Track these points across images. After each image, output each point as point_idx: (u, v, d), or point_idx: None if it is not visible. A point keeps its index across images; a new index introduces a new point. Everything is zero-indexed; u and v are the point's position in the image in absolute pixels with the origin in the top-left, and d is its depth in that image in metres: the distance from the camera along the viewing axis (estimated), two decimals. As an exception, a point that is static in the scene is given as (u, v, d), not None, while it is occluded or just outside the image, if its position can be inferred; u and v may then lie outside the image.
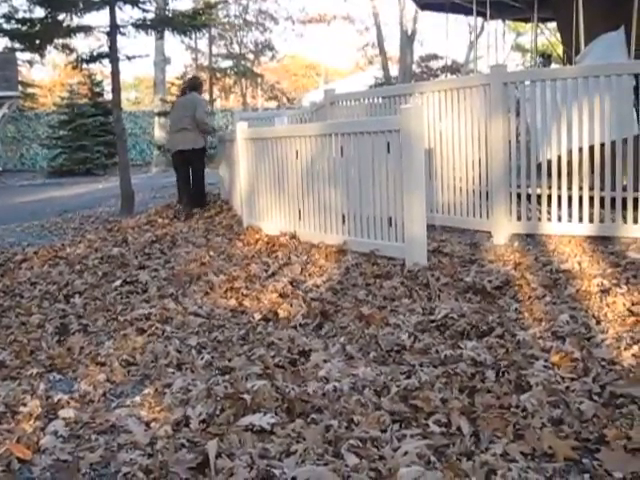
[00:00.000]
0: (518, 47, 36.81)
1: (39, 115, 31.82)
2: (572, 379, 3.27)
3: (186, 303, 5.15)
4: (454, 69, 39.93)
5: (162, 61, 23.53)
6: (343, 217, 6.52)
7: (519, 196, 6.82)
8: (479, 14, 13.05)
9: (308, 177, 6.95)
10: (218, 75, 40.98)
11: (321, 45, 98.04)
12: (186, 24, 10.62)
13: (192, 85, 10.83)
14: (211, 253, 6.86)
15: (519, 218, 6.80)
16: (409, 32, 38.17)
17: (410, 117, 5.55)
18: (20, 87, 29.83)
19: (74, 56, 11.55)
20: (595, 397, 3.05)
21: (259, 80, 43.54)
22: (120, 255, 7.09)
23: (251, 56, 41.98)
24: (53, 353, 4.25)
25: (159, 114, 21.10)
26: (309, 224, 7.04)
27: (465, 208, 7.26)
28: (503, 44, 34.25)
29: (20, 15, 10.41)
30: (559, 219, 6.57)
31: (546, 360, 3.49)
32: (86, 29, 10.48)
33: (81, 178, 21.62)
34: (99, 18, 10.38)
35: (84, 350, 4.31)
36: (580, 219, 6.45)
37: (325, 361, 3.67)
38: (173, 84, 20.38)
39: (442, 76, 39.82)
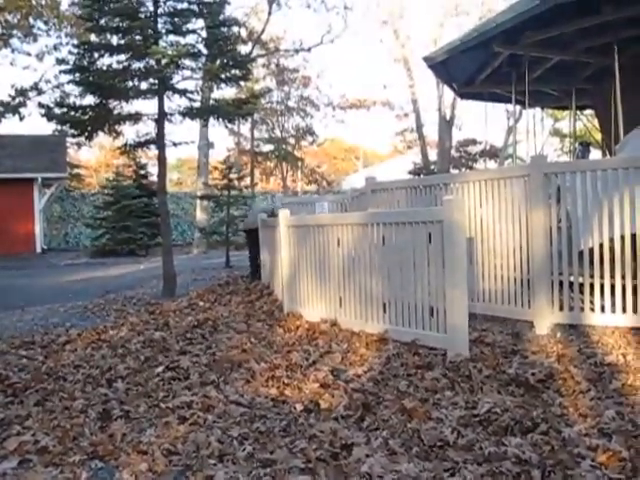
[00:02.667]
0: (556, 132, 37.06)
1: (84, 195, 32.73)
2: (621, 480, 3.21)
3: (227, 391, 5.16)
4: (492, 154, 40.24)
5: (205, 145, 24.16)
6: (384, 306, 6.54)
7: (561, 285, 6.81)
8: (517, 102, 13.23)
9: (349, 265, 7.02)
10: (259, 159, 41.91)
11: (360, 129, 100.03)
12: (231, 112, 10.96)
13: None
14: (252, 339, 6.89)
15: (561, 308, 6.77)
16: (447, 117, 38.71)
17: (452, 208, 5.62)
18: (67, 168, 30.81)
19: (122, 140, 11.96)
20: (645, 501, 2.99)
21: (299, 164, 44.31)
22: (162, 339, 7.16)
23: (292, 140, 42.83)
24: (95, 440, 4.27)
25: (201, 197, 21.56)
26: (350, 312, 7.07)
27: (506, 297, 7.25)
28: (541, 129, 34.55)
29: (71, 100, 10.67)
30: (602, 309, 6.52)
31: (593, 459, 3.43)
32: (135, 117, 10.86)
33: (123, 258, 21.99)
34: (147, 105, 10.75)
35: (126, 437, 4.32)
36: (624, 309, 6.39)
37: (367, 455, 3.65)
38: (216, 168, 20.82)
39: (480, 161, 40.16)
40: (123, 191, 24.85)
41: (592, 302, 6.62)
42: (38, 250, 25.70)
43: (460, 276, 5.66)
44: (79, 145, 36.09)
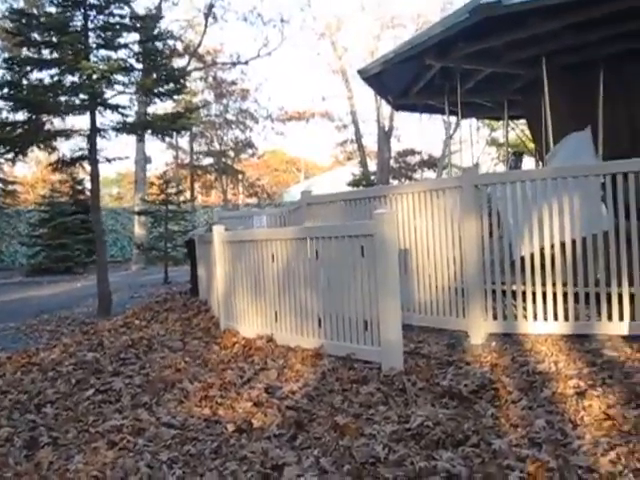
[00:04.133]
0: (493, 142, 37.72)
1: (19, 212, 31.91)
2: (548, 491, 3.23)
3: (160, 413, 5.06)
4: (431, 163, 40.79)
5: (142, 160, 23.87)
6: (319, 320, 6.52)
7: (494, 294, 6.89)
8: (452, 113, 13.39)
9: (284, 280, 6.98)
10: (199, 172, 41.58)
11: (301, 141, 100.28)
12: (165, 127, 10.83)
13: None
14: (187, 359, 6.78)
15: (495, 317, 6.84)
16: (386, 128, 39.07)
17: (383, 222, 5.63)
18: (0, 184, 30.06)
19: (56, 156, 11.71)
20: (572, 512, 3.01)
21: (240, 177, 44.14)
22: (95, 360, 7.00)
23: (232, 153, 42.65)
24: (20, 469, 4.14)
25: (139, 213, 21.26)
26: (286, 327, 7.02)
27: (442, 307, 7.31)
28: (477, 138, 35.16)
29: (2, 115, 10.39)
30: (535, 318, 6.62)
31: (522, 471, 3.44)
32: (67, 133, 10.65)
33: (60, 276, 21.50)
34: (81, 120, 10.52)
35: (53, 465, 4.20)
36: (555, 317, 6.50)
37: (298, 476, 3.61)
38: (153, 183, 20.58)
39: (419, 171, 40.66)
40: (59, 208, 24.35)
41: (525, 310, 6.73)
42: (-31, 271, 25.07)
43: (393, 289, 5.67)
44: (13, 161, 35.02)
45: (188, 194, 42.58)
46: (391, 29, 41.35)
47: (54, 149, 12.02)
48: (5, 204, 34.21)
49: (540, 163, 12.14)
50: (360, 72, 12.01)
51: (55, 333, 9.61)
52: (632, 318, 6.20)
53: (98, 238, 11.32)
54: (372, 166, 42.58)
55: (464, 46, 9.94)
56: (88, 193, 25.41)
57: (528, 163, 17.19)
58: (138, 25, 10.90)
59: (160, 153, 72.78)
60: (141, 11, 26.11)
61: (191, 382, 5.79)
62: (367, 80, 12.25)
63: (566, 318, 6.45)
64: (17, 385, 6.23)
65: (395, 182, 43.35)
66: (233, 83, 39.28)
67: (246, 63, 33.94)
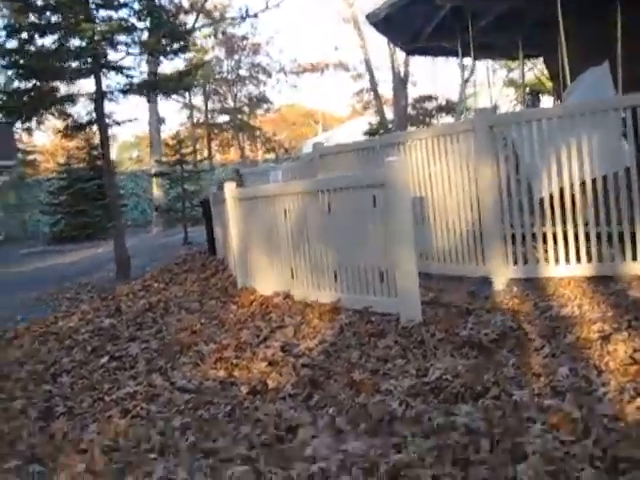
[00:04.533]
0: (511, 83, 36.93)
1: (39, 181, 32.01)
2: (572, 442, 3.08)
3: (174, 377, 4.98)
4: (449, 108, 40.12)
5: (156, 121, 23.68)
6: (335, 274, 6.38)
7: (514, 238, 6.70)
8: (466, 55, 13.01)
9: (298, 235, 6.83)
10: (215, 130, 41.33)
11: (317, 93, 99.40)
12: (172, 87, 10.63)
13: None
14: (202, 320, 6.71)
15: (516, 262, 6.66)
16: (402, 75, 38.44)
17: (394, 170, 5.44)
18: (20, 154, 30.05)
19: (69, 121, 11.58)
20: (597, 462, 2.86)
21: (257, 133, 43.80)
22: (111, 327, 6.95)
23: (247, 109, 42.28)
24: (34, 442, 4.07)
25: (155, 175, 21.13)
26: (302, 283, 6.89)
27: (461, 254, 7.12)
28: (494, 80, 34.47)
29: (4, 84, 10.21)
30: (556, 261, 6.43)
31: (544, 423, 3.29)
32: (71, 98, 10.46)
33: (82, 243, 21.53)
34: (88, 84, 10.37)
35: (67, 436, 4.13)
36: (578, 259, 6.31)
37: (313, 437, 3.49)
38: (167, 144, 20.38)
39: (437, 116, 40.05)
40: (76, 175, 24.30)
41: (547, 253, 6.54)
42: (-6, 241, 25.24)
43: (407, 238, 5.50)
44: (29, 130, 34.96)
45: (205, 153, 42.55)
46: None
47: (68, 115, 11.81)
48: (26, 174, 34.36)
49: (558, 101, 11.78)
50: (368, 17, 11.68)
51: (74, 301, 9.58)
52: (658, 256, 6.00)
53: (112, 203, 11.23)
54: (390, 114, 42.07)
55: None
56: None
57: (547, 102, 16.78)
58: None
59: (175, 113, 72.52)
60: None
61: (207, 344, 5.71)
62: (376, 25, 11.91)
63: (589, 260, 6.25)
64: (34, 355, 6.20)
65: (413, 129, 43.00)
66: (244, 38, 38.76)
67: (255, 16, 33.25)
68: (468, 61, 14.91)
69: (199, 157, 29.82)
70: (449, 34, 12.17)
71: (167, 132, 37.41)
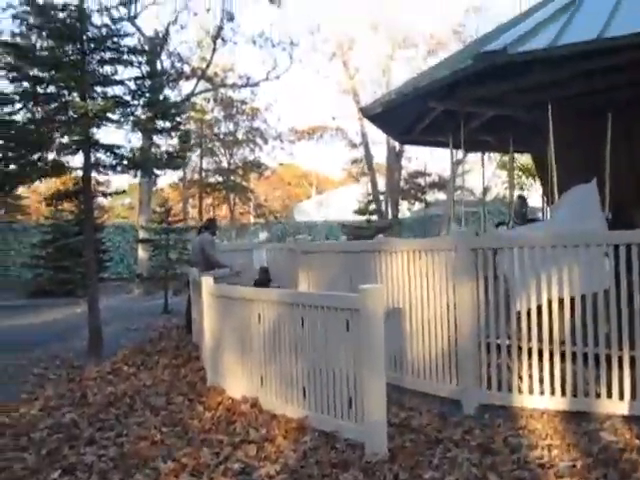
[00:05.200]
0: (503, 165, 37.26)
1: (27, 228, 31.85)
2: None
3: (126, 501, 4.79)
4: (441, 185, 40.54)
5: (146, 183, 23.62)
6: (304, 390, 6.24)
7: (489, 364, 6.63)
8: (457, 147, 13.14)
9: (270, 343, 6.71)
10: (208, 190, 41.43)
11: (313, 156, 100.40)
12: (160, 167, 10.65)
13: (206, 226, 12.83)
14: (166, 425, 6.52)
15: (489, 386, 6.58)
16: (397, 150, 38.88)
17: (369, 297, 5.37)
18: (9, 199, 29.91)
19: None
20: None
21: (249, 195, 43.95)
22: (72, 423, 6.74)
23: (241, 172, 42.53)
24: None
25: (141, 241, 21.09)
26: (271, 391, 6.75)
27: (434, 371, 7.06)
28: (487, 161, 34.84)
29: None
30: (530, 392, 6.36)
31: None
32: (60, 171, 10.42)
33: (62, 299, 21.29)
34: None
35: None
36: (552, 392, 6.25)
37: None
38: (155, 212, 20.33)
39: (429, 192, 40.37)
40: (63, 229, 24.15)
41: (521, 380, 6.46)
42: (-29, 290, 24.92)
43: (378, 368, 5.40)
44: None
45: (194, 211, 42.62)
46: (403, 49, 41.21)
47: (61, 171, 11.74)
48: (14, 219, 34.20)
49: (547, 207, 11.86)
50: (363, 110, 11.81)
51: (42, 378, 9.34)
52: (633, 397, 5.92)
53: (89, 274, 11.04)
54: (383, 185, 42.38)
55: (467, 91, 9.68)
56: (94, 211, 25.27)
57: (534, 199, 16.90)
58: (137, 60, 10.66)
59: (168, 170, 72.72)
60: (149, 33, 26.16)
61: (165, 460, 5.51)
62: (371, 119, 12.04)
63: (563, 393, 6.19)
64: (-15, 455, 5.97)
65: (404, 203, 43.26)
66: (243, 102, 39.17)
67: (255, 85, 33.82)
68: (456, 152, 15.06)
69: (188, 219, 30.10)
70: (441, 130, 12.30)
71: (160, 186, 37.66)
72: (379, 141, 40.42)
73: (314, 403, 6.12)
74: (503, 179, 38.18)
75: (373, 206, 29.53)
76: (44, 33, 10.55)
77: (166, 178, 68.76)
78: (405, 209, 44.00)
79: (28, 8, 10.51)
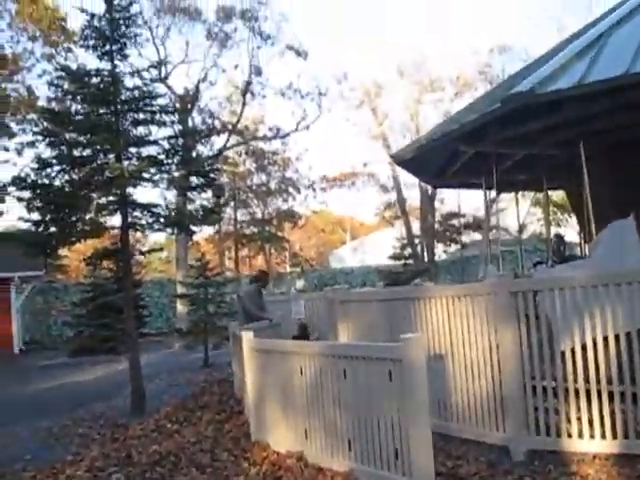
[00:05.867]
0: (537, 202, 37.03)
1: (67, 287, 32.33)
2: None
3: None
4: (476, 225, 40.29)
5: (183, 238, 23.87)
6: (349, 442, 6.19)
7: (536, 408, 6.52)
8: (490, 189, 13.13)
9: (313, 395, 6.69)
10: (243, 241, 41.75)
11: (346, 201, 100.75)
12: (196, 224, 10.79)
13: (256, 278, 12.73)
14: (212, 484, 6.50)
15: (538, 432, 6.46)
16: (429, 192, 38.86)
17: (411, 347, 5.35)
18: (49, 259, 30.43)
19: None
20: None
21: (285, 245, 44.20)
22: (118, 486, 6.76)
23: (275, 222, 42.84)
24: None
25: (179, 296, 21.29)
26: (316, 445, 6.70)
27: (480, 418, 6.96)
28: (523, 198, 34.66)
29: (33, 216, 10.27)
30: (580, 435, 6.23)
31: None
32: (99, 232, 10.61)
33: (103, 356, 21.44)
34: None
35: None
36: (603, 435, 6.13)
37: None
38: (192, 266, 20.53)
39: (465, 233, 40.13)
40: (102, 287, 24.44)
41: (570, 424, 6.33)
42: (16, 351, 25.22)
43: (422, 418, 5.34)
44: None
45: (230, 263, 42.89)
46: (431, 92, 41.46)
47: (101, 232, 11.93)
48: (54, 278, 34.73)
49: (584, 243, 11.76)
50: (394, 157, 11.90)
51: (85, 438, 9.37)
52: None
53: (129, 334, 11.13)
54: (417, 229, 42.31)
55: (497, 132, 9.70)
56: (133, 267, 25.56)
57: (571, 235, 16.78)
58: (170, 119, 10.88)
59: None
60: (180, 91, 26.68)
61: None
62: (401, 164, 12.11)
63: (614, 436, 6.05)
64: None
65: (440, 245, 43.06)
66: (274, 153, 39.64)
67: (285, 136, 34.26)
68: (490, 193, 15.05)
69: (225, 271, 30.28)
70: (474, 172, 12.31)
71: (196, 239, 37.94)
72: (411, 184, 40.50)
73: (360, 455, 6.07)
74: (538, 216, 37.96)
75: (408, 250, 29.43)
76: (79, 98, 10.82)
77: (202, 231, 69.32)
78: (441, 251, 43.78)
79: (63, 74, 10.80)
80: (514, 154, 11.72)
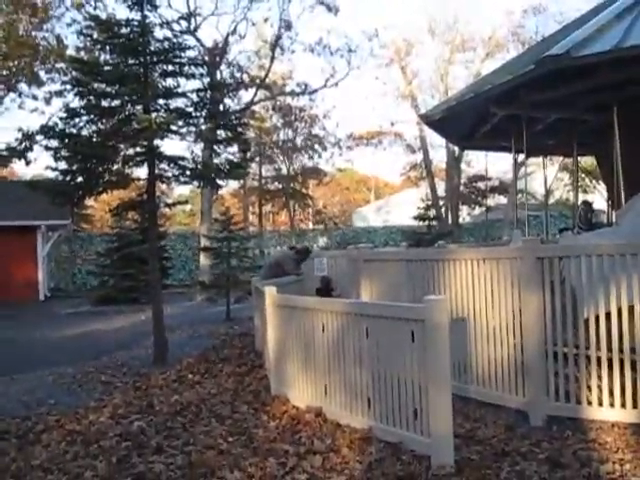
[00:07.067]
0: (566, 168, 36.61)
1: (92, 236, 32.67)
2: None
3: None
4: (502, 189, 39.99)
5: (208, 191, 23.88)
6: (369, 400, 6.22)
7: (556, 374, 6.49)
8: (519, 152, 12.98)
9: (334, 352, 6.71)
10: (267, 197, 41.79)
11: (372, 161, 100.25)
12: (222, 177, 10.78)
13: (297, 250, 13.37)
14: (232, 434, 6.56)
15: (557, 398, 6.44)
16: (456, 154, 38.54)
17: (435, 309, 5.33)
18: (76, 208, 30.72)
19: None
20: None
21: (308, 201, 44.15)
22: (140, 431, 6.85)
23: (300, 178, 42.77)
24: None
25: (203, 249, 21.40)
26: (335, 402, 6.75)
27: (500, 382, 6.95)
28: (550, 162, 34.27)
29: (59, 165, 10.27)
30: (600, 404, 6.20)
31: None
32: (125, 183, 10.64)
33: (127, 306, 21.69)
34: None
35: None
36: (623, 404, 6.08)
37: None
38: (216, 220, 20.57)
39: (490, 197, 39.84)
40: (127, 239, 24.63)
41: (590, 392, 6.31)
42: (41, 297, 25.59)
43: (443, 380, 5.34)
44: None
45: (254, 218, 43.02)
46: (462, 53, 40.88)
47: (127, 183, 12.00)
48: (80, 228, 35.09)
49: (612, 211, 11.62)
50: (422, 117, 11.78)
51: (108, 386, 9.52)
52: None
53: (154, 284, 11.21)
54: (442, 190, 42.07)
55: (529, 95, 9.56)
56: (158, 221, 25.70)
57: (599, 203, 16.59)
58: (198, 72, 10.80)
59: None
60: (209, 44, 26.45)
61: (231, 470, 5.55)
62: (430, 125, 11.99)
63: (634, 405, 6.02)
64: (58, 462, 6.10)
65: (464, 208, 42.84)
66: (301, 110, 39.39)
67: (313, 93, 33.95)
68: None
69: (248, 226, 30.40)
70: (503, 135, 12.17)
71: (220, 193, 38.01)
72: (438, 144, 40.19)
73: (379, 414, 6.10)
74: (565, 182, 37.57)
75: (433, 211, 29.26)
76: (108, 48, 10.77)
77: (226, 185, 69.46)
78: (465, 214, 43.59)
79: (92, 24, 10.74)
80: (545, 118, 11.57)
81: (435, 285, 7.67)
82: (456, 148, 36.33)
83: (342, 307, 6.66)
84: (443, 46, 40.26)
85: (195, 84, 10.99)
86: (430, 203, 29.90)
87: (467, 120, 11.76)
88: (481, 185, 39.85)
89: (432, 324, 5.33)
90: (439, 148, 40.75)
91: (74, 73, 10.70)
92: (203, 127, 10.92)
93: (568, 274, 6.61)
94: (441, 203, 40.64)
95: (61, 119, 10.10)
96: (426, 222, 26.46)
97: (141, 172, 10.94)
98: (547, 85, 9.20)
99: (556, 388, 6.48)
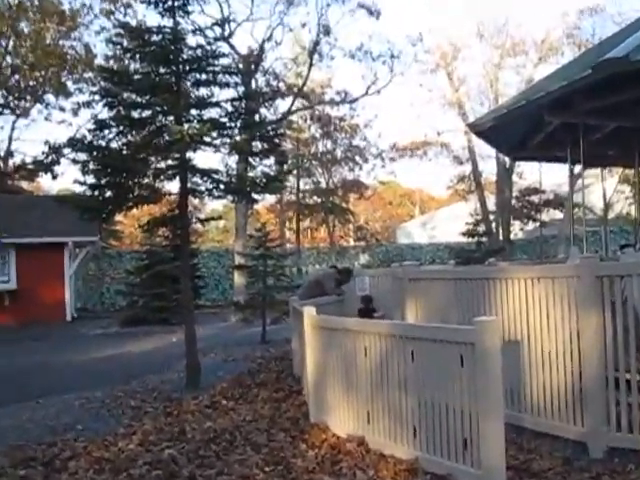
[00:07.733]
0: (626, 180, 36.12)
1: (121, 253, 33.11)
2: None
3: None
4: (557, 203, 39.53)
5: (243, 206, 24.07)
6: (414, 429, 6.19)
7: (618, 402, 6.39)
8: (576, 163, 12.87)
9: (377, 377, 6.70)
10: (306, 212, 41.89)
11: (416, 173, 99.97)
12: (258, 191, 10.87)
13: (339, 270, 13.72)
14: (268, 464, 6.57)
15: (619, 428, 6.33)
16: (507, 165, 38.28)
17: (486, 330, 5.30)
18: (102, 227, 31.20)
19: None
20: None
21: (349, 216, 44.13)
22: (171, 460, 6.89)
23: (340, 192, 42.81)
24: None
25: (237, 267, 21.54)
26: (379, 430, 6.72)
27: (557, 411, 6.86)
28: (610, 174, 33.84)
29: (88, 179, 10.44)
30: (665, 434, 6.09)
31: None
32: (156, 198, 10.78)
33: (157, 328, 21.87)
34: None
35: None
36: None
37: None
38: (251, 236, 20.64)
39: (544, 211, 39.38)
40: (158, 257, 24.86)
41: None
42: (68, 318, 25.90)
43: (495, 407, 5.31)
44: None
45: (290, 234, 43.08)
46: (512, 57, 40.69)
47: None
48: (108, 245, 35.54)
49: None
50: (470, 126, 11.79)
51: (138, 411, 9.61)
52: None
53: (186, 307, 11.32)
54: (492, 204, 41.78)
55: (586, 102, 9.49)
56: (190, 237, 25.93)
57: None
58: (233, 81, 10.92)
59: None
60: (243, 51, 26.71)
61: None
62: (480, 134, 11.95)
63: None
64: (87, 491, 6.18)
65: (516, 223, 42.44)
66: (341, 119, 39.50)
67: (354, 101, 34.06)
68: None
69: (285, 243, 30.50)
70: (558, 145, 12.08)
71: (256, 208, 38.28)
72: (487, 155, 39.96)
73: (425, 443, 6.07)
74: (626, 194, 37.02)
75: (482, 226, 29.07)
76: (138, 56, 10.94)
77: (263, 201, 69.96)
78: (517, 229, 43.19)
79: (122, 31, 10.93)
80: (604, 126, 11.46)
81: (486, 306, 7.61)
82: (507, 159, 36.09)
83: (386, 329, 6.66)
84: (492, 50, 40.14)
85: (229, 93, 11.13)
86: (479, 218, 29.73)
87: (519, 129, 11.70)
88: (534, 198, 39.41)
89: (483, 347, 5.29)
90: (489, 159, 40.51)
91: (103, 83, 10.91)
92: (238, 138, 11.01)
93: (630, 294, 6.51)
94: (491, 218, 40.34)
95: (89, 131, 10.29)
96: (475, 238, 26.25)
97: (173, 186, 11.04)
98: (605, 91, 9.12)
99: (618, 417, 6.37)
